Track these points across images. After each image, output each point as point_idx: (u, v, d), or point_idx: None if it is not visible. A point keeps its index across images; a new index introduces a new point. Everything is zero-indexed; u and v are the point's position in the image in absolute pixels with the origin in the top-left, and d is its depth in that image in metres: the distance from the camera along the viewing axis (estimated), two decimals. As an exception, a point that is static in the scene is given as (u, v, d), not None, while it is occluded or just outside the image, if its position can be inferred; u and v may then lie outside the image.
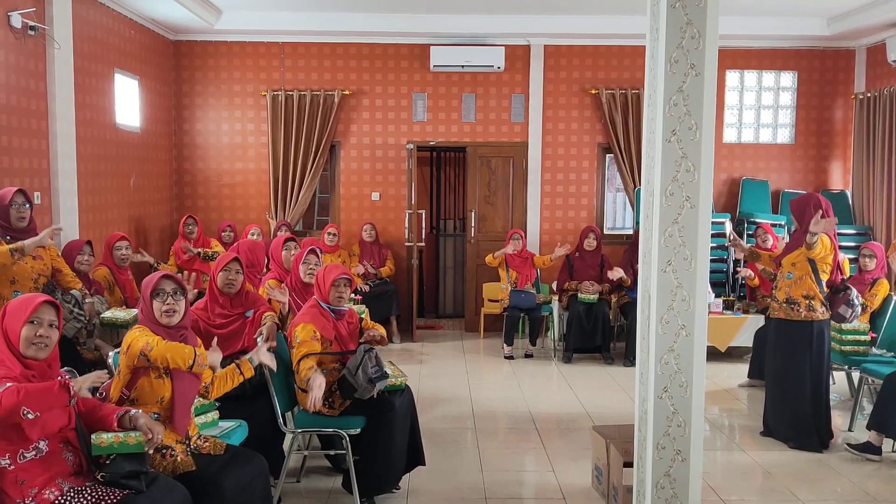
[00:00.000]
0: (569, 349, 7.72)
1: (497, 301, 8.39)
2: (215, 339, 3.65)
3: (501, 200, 9.14)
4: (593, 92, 8.91)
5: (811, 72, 9.05)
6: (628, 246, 8.16)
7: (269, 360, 3.68)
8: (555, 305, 8.09)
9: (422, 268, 9.73)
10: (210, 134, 8.97)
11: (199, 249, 7.54)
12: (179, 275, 3.24)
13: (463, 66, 8.75)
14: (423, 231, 9.42)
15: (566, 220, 9.13)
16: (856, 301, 5.23)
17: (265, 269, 5.41)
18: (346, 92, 8.87)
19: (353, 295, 7.25)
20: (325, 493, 4.40)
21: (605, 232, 9.22)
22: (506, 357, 7.85)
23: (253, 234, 7.90)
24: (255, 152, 9.00)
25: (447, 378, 7.05)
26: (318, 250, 5.13)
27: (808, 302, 5.15)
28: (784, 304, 5.24)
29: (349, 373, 4.03)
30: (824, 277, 5.17)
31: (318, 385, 3.87)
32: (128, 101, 7.67)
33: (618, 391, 6.65)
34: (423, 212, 9.28)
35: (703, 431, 3.56)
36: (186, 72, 8.88)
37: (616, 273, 7.53)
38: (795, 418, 5.23)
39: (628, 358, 7.43)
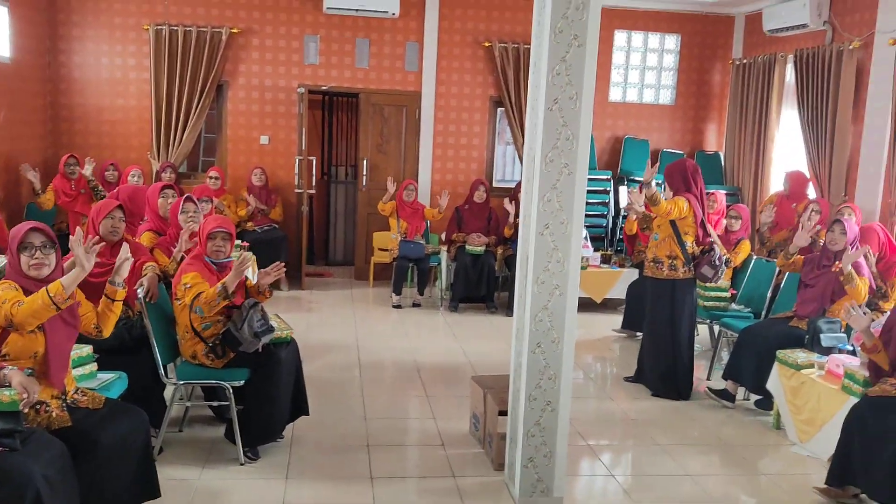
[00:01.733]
0: (455, 299, 7.93)
1: (387, 250, 8.48)
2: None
3: (394, 149, 9.15)
4: (486, 44, 8.97)
5: (693, 35, 9.42)
6: (510, 194, 8.36)
7: (124, 270, 3.48)
8: (443, 256, 8.26)
9: (312, 214, 9.67)
10: (89, 68, 8.50)
11: (94, 182, 7.32)
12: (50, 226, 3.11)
13: (357, 11, 8.58)
14: (314, 177, 9.34)
15: (457, 172, 9.25)
16: (718, 263, 5.45)
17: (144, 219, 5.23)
18: (235, 30, 8.57)
19: (239, 241, 7.17)
20: (209, 443, 4.43)
21: (494, 185, 9.39)
22: (394, 306, 7.98)
23: (133, 176, 7.61)
24: (137, 89, 8.61)
25: (335, 327, 7.13)
26: (193, 197, 5.02)
27: (670, 261, 5.47)
28: (651, 263, 5.58)
29: (234, 326, 4.04)
30: (687, 240, 5.45)
31: (236, 272, 3.95)
32: (-5, 30, 7.16)
33: (499, 340, 6.90)
34: (313, 158, 9.18)
35: (571, 384, 3.79)
36: (62, 0, 8.34)
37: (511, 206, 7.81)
38: (658, 369, 5.62)
39: (510, 308, 7.66)
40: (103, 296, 3.49)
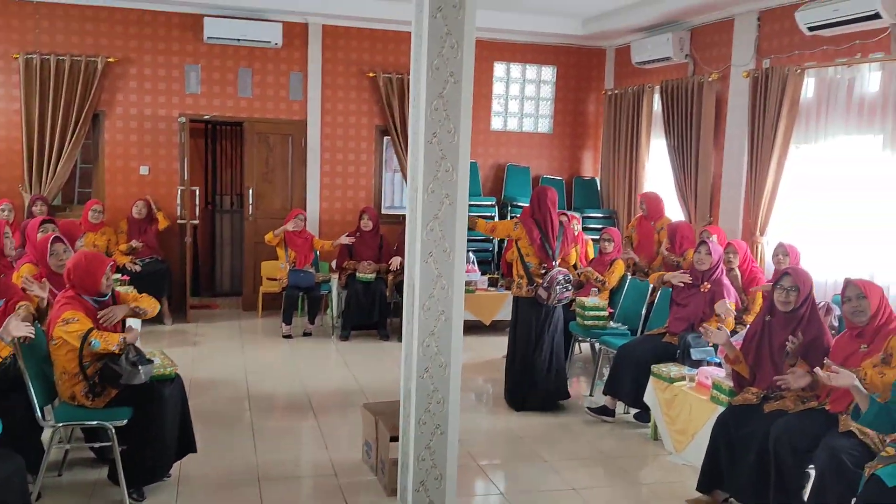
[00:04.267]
0: (346, 327, 7.94)
1: (276, 279, 8.40)
2: None
3: (280, 178, 9.11)
4: (371, 75, 9.10)
5: (568, 67, 9.88)
6: (402, 230, 8.48)
7: (25, 330, 3.52)
8: (333, 284, 8.26)
9: (196, 245, 9.47)
10: (-50, 97, 8.08)
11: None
12: None
13: (239, 40, 8.55)
14: (198, 207, 9.16)
15: (345, 200, 9.30)
16: (548, 285, 5.67)
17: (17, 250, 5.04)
18: (111, 59, 8.35)
19: (119, 276, 6.96)
20: (91, 486, 4.28)
21: (383, 212, 9.47)
22: (284, 336, 7.91)
23: (3, 210, 7.27)
24: (6, 119, 8.23)
25: (223, 360, 7.00)
26: (62, 238, 4.87)
27: (518, 280, 5.91)
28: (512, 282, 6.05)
29: (110, 360, 3.93)
30: (531, 261, 5.80)
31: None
32: None
33: (392, 366, 6.94)
34: (196, 188, 9.02)
35: (459, 407, 3.91)
36: (-81, 25, 7.91)
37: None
38: (508, 381, 6.05)
39: (402, 334, 7.78)
40: None
